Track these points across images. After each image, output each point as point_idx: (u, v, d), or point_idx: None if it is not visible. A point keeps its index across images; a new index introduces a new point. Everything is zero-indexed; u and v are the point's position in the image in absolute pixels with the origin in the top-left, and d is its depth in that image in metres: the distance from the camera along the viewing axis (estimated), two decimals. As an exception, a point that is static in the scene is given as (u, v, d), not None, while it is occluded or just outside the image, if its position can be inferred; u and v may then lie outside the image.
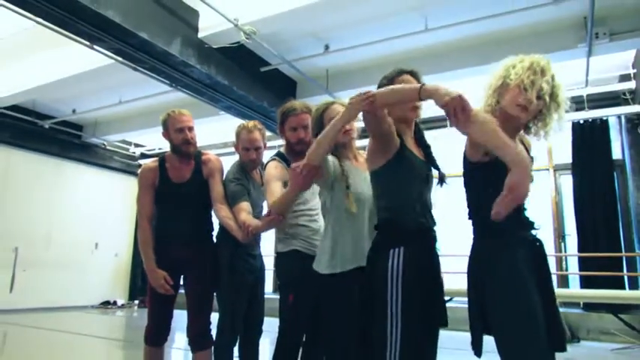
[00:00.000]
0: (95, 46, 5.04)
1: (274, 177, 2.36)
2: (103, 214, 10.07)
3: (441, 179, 1.96)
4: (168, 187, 2.74)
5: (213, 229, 2.88)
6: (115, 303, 9.83)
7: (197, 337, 2.65)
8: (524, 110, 1.74)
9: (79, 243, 9.63)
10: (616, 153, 6.72)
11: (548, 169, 7.23)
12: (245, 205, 2.56)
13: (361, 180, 2.11)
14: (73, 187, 9.71)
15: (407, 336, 1.66)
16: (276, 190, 2.27)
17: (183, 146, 2.74)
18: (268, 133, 8.90)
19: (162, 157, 2.83)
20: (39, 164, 9.10)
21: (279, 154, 2.58)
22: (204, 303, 2.72)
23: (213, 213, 2.78)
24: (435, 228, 1.92)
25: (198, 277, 2.71)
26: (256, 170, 2.89)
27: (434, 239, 1.89)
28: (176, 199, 2.74)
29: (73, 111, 8.46)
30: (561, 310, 6.15)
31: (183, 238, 2.72)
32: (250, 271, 2.69)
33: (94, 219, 9.87)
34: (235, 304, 2.63)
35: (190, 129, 2.77)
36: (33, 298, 8.60)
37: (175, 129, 2.75)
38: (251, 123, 2.85)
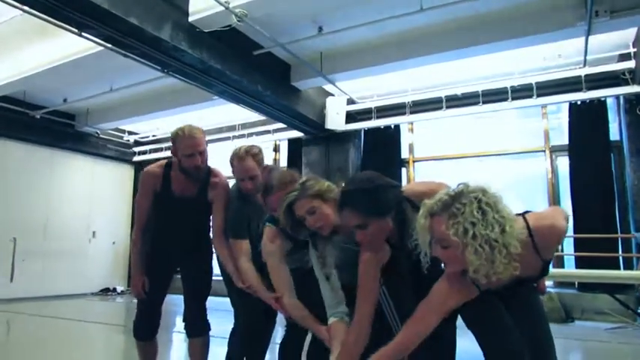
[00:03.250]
0: (84, 34, 4.93)
1: (274, 257, 2.28)
2: (100, 203, 10.04)
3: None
4: (169, 198, 2.65)
5: (209, 237, 2.83)
6: (114, 290, 9.87)
7: (193, 323, 2.66)
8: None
9: (77, 232, 9.63)
10: (613, 134, 6.69)
11: (544, 151, 7.20)
12: (245, 247, 2.50)
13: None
14: (68, 177, 9.66)
15: (396, 302, 1.89)
16: (279, 278, 2.24)
17: (192, 171, 2.59)
18: (261, 118, 8.90)
19: (168, 164, 2.69)
20: (33, 154, 9.03)
21: (270, 220, 2.39)
22: (201, 290, 2.73)
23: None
24: None
25: (195, 265, 2.71)
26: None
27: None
28: (176, 211, 2.68)
29: (64, 100, 8.35)
30: (556, 290, 6.23)
31: (181, 245, 2.71)
32: (260, 268, 2.55)
33: (90, 208, 9.86)
34: (247, 303, 2.57)
35: (202, 153, 2.57)
36: (33, 287, 8.63)
37: (185, 154, 2.55)
38: (243, 149, 2.60)
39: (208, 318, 2.74)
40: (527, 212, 1.64)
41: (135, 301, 2.77)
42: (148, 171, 2.72)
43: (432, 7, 4.99)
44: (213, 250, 2.79)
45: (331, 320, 2.02)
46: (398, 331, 1.84)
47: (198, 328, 2.67)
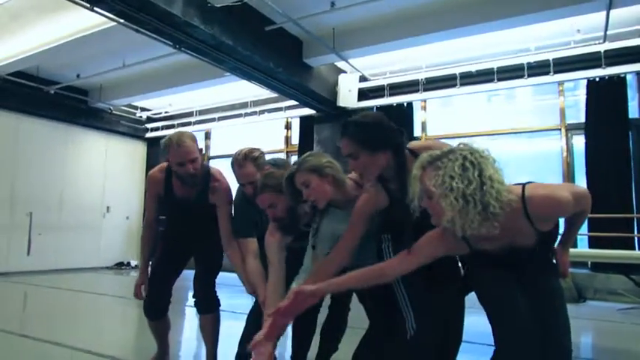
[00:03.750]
0: (96, 8, 4.91)
1: (271, 250, 2.29)
2: (113, 179, 10.17)
3: None
4: (172, 201, 2.69)
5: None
6: (128, 264, 10.06)
7: (202, 300, 2.69)
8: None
9: (91, 207, 9.78)
10: (632, 112, 6.53)
11: (560, 129, 7.08)
12: (252, 246, 2.48)
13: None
14: (82, 152, 9.77)
15: (411, 293, 1.90)
16: (272, 272, 2.26)
17: (186, 178, 2.56)
18: (272, 95, 8.82)
19: (169, 167, 2.65)
20: (48, 130, 9.13)
21: None
22: (210, 268, 2.76)
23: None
24: None
25: (206, 244, 2.73)
26: None
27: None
28: (183, 211, 2.72)
29: (77, 76, 8.37)
30: (572, 270, 6.20)
31: (192, 238, 2.74)
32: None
33: (104, 183, 9.98)
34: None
35: (193, 160, 2.50)
36: (49, 261, 8.83)
37: (176, 162, 2.51)
38: (242, 153, 2.50)
39: (219, 295, 2.77)
40: (530, 182, 1.65)
41: (148, 275, 2.81)
42: (151, 176, 2.74)
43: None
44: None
45: (293, 285, 2.06)
46: (409, 317, 1.89)
47: (207, 306, 2.70)
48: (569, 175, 6.91)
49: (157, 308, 2.76)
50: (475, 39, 6.15)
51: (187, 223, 2.75)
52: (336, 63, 7.50)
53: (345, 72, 7.87)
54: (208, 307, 2.70)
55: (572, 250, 6.02)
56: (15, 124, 8.61)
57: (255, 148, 2.54)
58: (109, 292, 6.93)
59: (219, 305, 2.75)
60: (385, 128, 1.88)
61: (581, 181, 6.66)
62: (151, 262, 2.82)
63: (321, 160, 2.07)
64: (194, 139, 2.56)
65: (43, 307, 5.75)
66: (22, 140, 8.71)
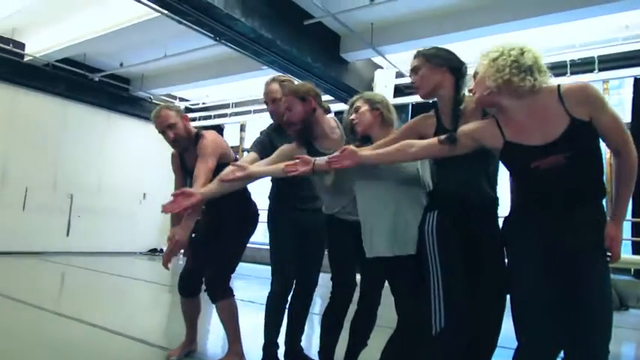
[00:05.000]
0: (141, -1, 5.07)
1: (281, 149, 2.40)
2: (150, 166, 10.41)
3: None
4: (185, 172, 2.83)
5: (244, 198, 2.85)
6: (161, 251, 10.31)
7: (208, 289, 2.71)
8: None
9: (128, 193, 10.08)
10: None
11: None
12: (251, 157, 2.52)
13: None
14: (122, 139, 10.09)
15: (447, 288, 1.84)
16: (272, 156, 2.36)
17: (172, 145, 2.76)
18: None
19: None
20: (91, 115, 9.49)
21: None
22: (217, 258, 2.75)
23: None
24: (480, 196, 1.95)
25: (224, 235, 2.76)
26: None
27: (472, 205, 1.91)
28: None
29: (121, 64, 8.65)
30: (613, 277, 5.99)
31: (213, 213, 2.78)
32: (295, 224, 2.62)
33: (141, 170, 10.25)
34: (281, 256, 2.65)
35: (170, 126, 2.67)
36: (86, 243, 9.18)
37: (159, 132, 2.74)
38: (274, 76, 2.80)
39: (237, 285, 2.80)
40: None
41: (180, 262, 2.85)
42: (172, 153, 2.93)
43: (491, -24, 4.81)
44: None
45: None
46: (439, 312, 1.84)
47: (216, 294, 2.69)
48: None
49: (189, 284, 2.82)
50: (516, 35, 6.01)
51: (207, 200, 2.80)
52: (372, 58, 7.48)
53: (381, 67, 7.83)
54: (217, 296, 2.69)
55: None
56: (62, 109, 8.99)
57: (284, 75, 2.78)
58: (142, 277, 7.15)
59: (229, 294, 2.72)
60: (451, 52, 2.00)
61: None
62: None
63: (377, 96, 2.25)
64: (172, 109, 2.75)
65: (78, 287, 5.98)
66: (68, 124, 9.09)
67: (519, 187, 1.82)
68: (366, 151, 1.98)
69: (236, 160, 2.75)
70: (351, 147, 1.97)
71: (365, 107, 2.16)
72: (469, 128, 1.82)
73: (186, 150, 2.78)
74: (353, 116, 2.18)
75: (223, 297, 2.69)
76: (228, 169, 2.31)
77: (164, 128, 2.69)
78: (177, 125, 2.69)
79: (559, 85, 1.66)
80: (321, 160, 2.05)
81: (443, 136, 1.83)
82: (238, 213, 2.81)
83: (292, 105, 2.36)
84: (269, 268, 2.71)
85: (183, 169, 2.86)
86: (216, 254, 2.74)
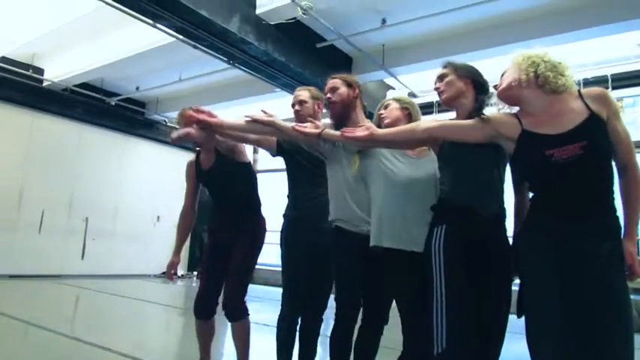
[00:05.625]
0: (158, 24, 5.18)
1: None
2: (164, 188, 10.48)
3: None
4: (201, 176, 2.88)
5: (258, 208, 2.92)
6: (175, 273, 10.26)
7: (226, 308, 2.70)
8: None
9: (143, 215, 10.14)
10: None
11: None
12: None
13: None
14: (137, 162, 10.21)
15: (450, 305, 1.81)
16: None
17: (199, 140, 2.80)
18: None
19: (198, 151, 2.97)
20: (107, 139, 9.63)
21: None
22: (236, 277, 2.76)
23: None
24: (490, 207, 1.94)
25: (236, 252, 2.76)
26: None
27: (481, 217, 1.89)
28: (210, 185, 2.89)
29: (137, 88, 8.83)
30: (633, 297, 5.82)
31: (224, 224, 2.82)
32: (309, 245, 2.59)
33: (155, 192, 10.32)
34: (292, 278, 2.64)
35: (190, 117, 2.81)
36: (101, 266, 9.22)
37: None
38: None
39: (249, 306, 2.77)
40: None
41: (194, 285, 2.86)
42: (187, 163, 3.02)
43: (501, -3, 4.84)
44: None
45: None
46: (441, 332, 1.81)
47: (235, 313, 2.70)
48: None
49: (206, 306, 2.80)
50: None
51: (222, 199, 2.87)
52: (384, 79, 7.53)
53: (393, 88, 7.87)
54: (235, 315, 2.70)
55: None
56: (78, 133, 9.13)
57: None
58: (156, 300, 7.13)
59: (246, 313, 2.74)
60: (477, 69, 2.11)
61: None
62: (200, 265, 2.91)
63: (406, 98, 2.37)
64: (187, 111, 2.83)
65: (92, 310, 5.98)
66: (84, 148, 9.22)
67: (534, 188, 1.80)
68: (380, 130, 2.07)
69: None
70: (369, 124, 2.07)
71: (395, 105, 2.31)
72: (491, 115, 1.88)
73: (208, 150, 2.84)
74: (382, 111, 2.33)
75: (241, 316, 2.70)
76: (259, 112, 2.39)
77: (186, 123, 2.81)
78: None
79: (579, 89, 1.74)
80: (333, 131, 2.14)
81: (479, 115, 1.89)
82: (251, 228, 2.83)
83: (338, 86, 2.43)
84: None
85: (198, 176, 2.91)
86: (234, 272, 2.74)
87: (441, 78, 2.09)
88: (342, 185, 2.36)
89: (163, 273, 10.13)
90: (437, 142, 2.02)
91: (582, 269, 1.59)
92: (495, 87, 1.91)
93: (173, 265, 2.94)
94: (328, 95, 2.44)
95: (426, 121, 1.99)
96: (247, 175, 2.91)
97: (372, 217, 2.19)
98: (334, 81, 2.46)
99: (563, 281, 1.60)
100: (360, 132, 1.99)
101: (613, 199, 1.67)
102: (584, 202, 1.64)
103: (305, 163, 2.66)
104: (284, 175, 2.79)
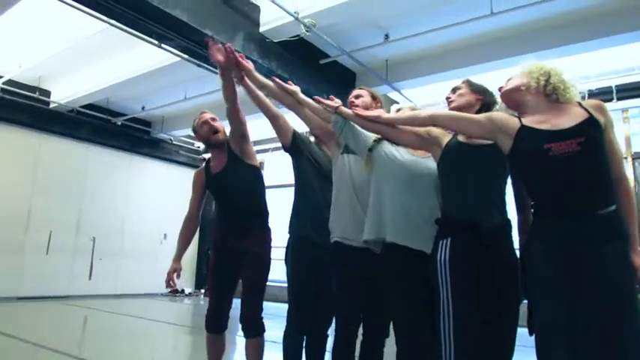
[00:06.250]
0: (163, 45, 5.25)
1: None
2: (171, 207, 10.48)
3: None
4: (211, 180, 2.87)
5: (266, 217, 2.91)
6: (182, 291, 10.29)
7: (247, 324, 2.69)
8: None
9: (150, 234, 10.14)
10: None
11: (626, 158, 6.75)
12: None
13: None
14: (143, 181, 10.24)
15: (457, 321, 1.79)
16: None
17: (212, 136, 2.86)
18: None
19: (208, 158, 3.00)
20: (113, 159, 9.68)
21: None
22: (256, 291, 2.75)
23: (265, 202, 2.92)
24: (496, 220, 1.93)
25: (251, 266, 2.75)
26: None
27: (486, 232, 1.88)
28: (220, 190, 2.87)
29: (142, 108, 8.90)
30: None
31: (236, 231, 2.79)
32: (314, 260, 2.57)
33: (162, 211, 10.33)
34: (299, 295, 2.61)
35: (213, 119, 2.91)
36: (108, 285, 9.21)
37: (200, 124, 2.89)
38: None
39: (264, 320, 2.75)
40: None
41: (202, 302, 2.85)
42: (195, 172, 3.05)
43: (502, 10, 4.88)
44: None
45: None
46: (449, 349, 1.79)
47: (253, 329, 2.69)
48: (638, 206, 6.53)
49: (219, 320, 2.79)
50: (532, 68, 6.05)
51: (230, 208, 2.84)
52: (388, 94, 7.55)
53: (397, 102, 7.89)
54: (253, 331, 2.69)
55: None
56: (84, 153, 9.20)
57: None
58: (163, 319, 7.10)
59: (264, 330, 2.73)
60: (491, 92, 2.15)
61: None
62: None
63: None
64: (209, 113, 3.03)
65: (99, 330, 5.94)
66: (91, 168, 9.27)
67: (532, 189, 1.81)
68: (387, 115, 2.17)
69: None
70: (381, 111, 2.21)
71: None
72: (492, 112, 1.96)
73: (218, 152, 2.87)
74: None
75: (259, 333, 2.70)
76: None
77: (207, 120, 2.90)
78: (217, 120, 2.95)
79: (578, 101, 1.81)
80: (347, 110, 2.24)
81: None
82: (261, 237, 2.82)
83: (363, 95, 2.52)
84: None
85: (208, 182, 2.90)
86: (252, 288, 2.73)
87: (454, 90, 2.17)
88: (348, 196, 2.37)
89: (171, 291, 10.13)
90: (437, 144, 2.04)
91: (592, 277, 1.59)
92: (500, 88, 1.96)
93: (175, 271, 2.92)
94: (352, 99, 2.50)
95: (430, 109, 2.07)
96: (257, 178, 2.94)
97: (372, 210, 2.18)
98: (361, 90, 2.56)
99: (572, 293, 1.60)
100: (370, 113, 2.14)
101: (612, 197, 1.68)
102: (583, 199, 1.66)
103: (314, 162, 2.68)
104: (286, 192, 2.80)
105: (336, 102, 2.28)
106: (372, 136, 2.25)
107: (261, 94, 2.62)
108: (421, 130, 2.08)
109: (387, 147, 2.22)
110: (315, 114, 2.38)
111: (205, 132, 2.87)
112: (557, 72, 1.83)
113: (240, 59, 2.50)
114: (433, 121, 2.00)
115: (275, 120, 2.73)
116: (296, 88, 2.45)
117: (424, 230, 2.01)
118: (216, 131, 2.88)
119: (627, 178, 1.75)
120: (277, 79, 2.48)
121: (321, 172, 2.67)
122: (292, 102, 2.45)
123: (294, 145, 2.72)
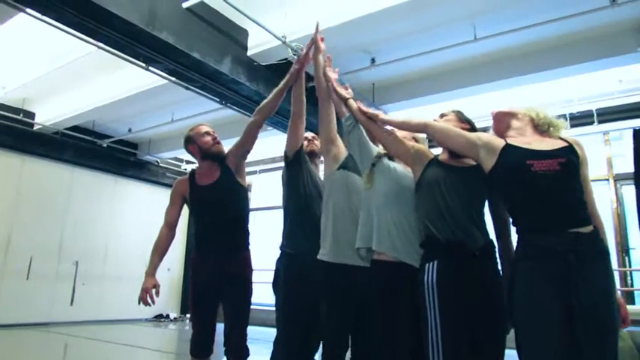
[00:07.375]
0: (150, 67, 5.25)
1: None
2: (156, 229, 10.23)
3: None
4: (197, 192, 2.81)
5: (248, 238, 2.89)
6: (167, 316, 10.07)
7: (233, 351, 2.65)
8: None
9: (134, 257, 9.90)
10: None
11: (608, 180, 6.87)
12: None
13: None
14: (128, 203, 10.10)
15: (446, 349, 1.78)
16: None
17: (214, 147, 2.85)
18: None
19: (192, 170, 2.96)
20: (98, 181, 9.54)
21: None
22: (242, 319, 2.72)
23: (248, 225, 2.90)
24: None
25: (236, 292, 2.72)
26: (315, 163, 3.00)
27: (473, 253, 1.89)
28: (205, 204, 2.80)
29: (129, 130, 8.85)
30: (628, 329, 5.79)
31: (219, 250, 2.74)
32: (308, 284, 2.49)
33: (147, 234, 10.03)
34: (292, 322, 2.56)
35: (213, 131, 2.94)
36: (91, 311, 8.97)
37: (201, 134, 2.87)
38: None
39: (249, 345, 2.72)
40: None
41: (187, 328, 2.80)
42: (177, 180, 2.98)
43: (486, 36, 5.00)
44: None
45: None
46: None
47: (238, 354, 2.66)
48: (620, 228, 6.62)
49: (203, 344, 2.73)
50: (516, 91, 6.17)
51: (212, 225, 2.76)
52: (375, 116, 7.63)
53: (383, 125, 7.98)
54: (240, 356, 2.65)
55: (632, 307, 5.68)
56: (69, 176, 9.06)
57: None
58: (147, 345, 6.93)
59: (249, 354, 2.69)
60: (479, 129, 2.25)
61: (633, 234, 6.37)
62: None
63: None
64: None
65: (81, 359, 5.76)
66: (75, 190, 9.12)
67: (512, 206, 1.85)
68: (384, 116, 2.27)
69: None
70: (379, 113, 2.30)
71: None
72: (480, 133, 2.05)
73: (211, 165, 2.84)
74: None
75: (246, 356, 2.66)
76: None
77: (209, 131, 2.92)
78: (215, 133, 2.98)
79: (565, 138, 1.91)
80: (354, 103, 2.36)
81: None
82: (243, 257, 2.81)
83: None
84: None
85: (192, 192, 2.82)
86: (239, 313, 2.70)
87: (442, 116, 2.22)
88: (345, 216, 2.36)
89: (156, 317, 9.91)
90: (418, 162, 2.10)
91: (583, 295, 1.61)
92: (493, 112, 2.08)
93: (154, 286, 2.77)
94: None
95: (435, 124, 2.11)
96: (245, 198, 2.94)
97: (364, 221, 2.17)
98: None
99: (565, 313, 1.60)
100: (372, 112, 2.25)
101: (589, 220, 1.73)
102: (565, 215, 1.71)
103: (312, 175, 2.74)
104: (270, 214, 2.78)
105: (348, 93, 2.40)
106: (375, 150, 2.29)
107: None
108: (408, 144, 2.14)
109: (388, 162, 2.26)
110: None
111: (208, 141, 2.85)
112: (545, 113, 1.98)
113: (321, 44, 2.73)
114: (425, 127, 2.08)
115: (299, 118, 2.82)
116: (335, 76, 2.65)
117: (415, 243, 2.02)
118: (219, 142, 2.90)
119: (599, 217, 1.82)
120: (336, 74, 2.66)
121: (316, 186, 2.67)
122: (326, 91, 2.67)
123: (299, 155, 2.70)
